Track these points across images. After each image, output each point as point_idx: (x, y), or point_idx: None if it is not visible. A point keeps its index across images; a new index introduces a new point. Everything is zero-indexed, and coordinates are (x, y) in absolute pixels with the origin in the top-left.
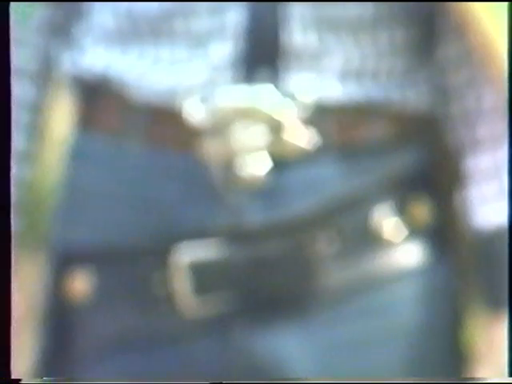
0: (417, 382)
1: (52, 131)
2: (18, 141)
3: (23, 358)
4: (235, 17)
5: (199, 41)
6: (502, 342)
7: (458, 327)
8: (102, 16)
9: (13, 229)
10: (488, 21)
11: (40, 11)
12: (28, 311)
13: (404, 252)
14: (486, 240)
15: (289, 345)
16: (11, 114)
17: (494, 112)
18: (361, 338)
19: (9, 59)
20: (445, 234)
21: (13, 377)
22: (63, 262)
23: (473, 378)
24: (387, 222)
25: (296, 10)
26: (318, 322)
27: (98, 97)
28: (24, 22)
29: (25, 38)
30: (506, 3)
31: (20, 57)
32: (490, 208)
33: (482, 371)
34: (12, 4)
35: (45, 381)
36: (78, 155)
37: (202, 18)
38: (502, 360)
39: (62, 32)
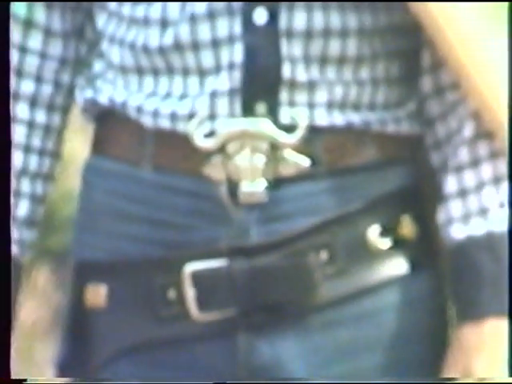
0: (413, 383)
1: (71, 155)
2: (41, 164)
3: (43, 362)
4: (236, 53)
5: (204, 73)
6: (471, 345)
7: (440, 331)
8: (118, 50)
9: (11, 236)
10: (467, 55)
11: (59, 44)
12: (50, 318)
13: (392, 263)
14: (458, 251)
15: (287, 349)
16: (10, 120)
17: (474, 136)
18: (355, 342)
19: (8, 60)
20: (427, 246)
21: (13, 377)
22: (82, 275)
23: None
24: (377, 236)
25: (289, 47)
26: (315, 328)
27: (112, 124)
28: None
29: (47, 69)
30: (506, 3)
31: (41, 87)
32: (467, 222)
33: (453, 375)
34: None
35: (47, 381)
36: (94, 176)
37: (205, 51)
38: (473, 365)
39: (81, 65)
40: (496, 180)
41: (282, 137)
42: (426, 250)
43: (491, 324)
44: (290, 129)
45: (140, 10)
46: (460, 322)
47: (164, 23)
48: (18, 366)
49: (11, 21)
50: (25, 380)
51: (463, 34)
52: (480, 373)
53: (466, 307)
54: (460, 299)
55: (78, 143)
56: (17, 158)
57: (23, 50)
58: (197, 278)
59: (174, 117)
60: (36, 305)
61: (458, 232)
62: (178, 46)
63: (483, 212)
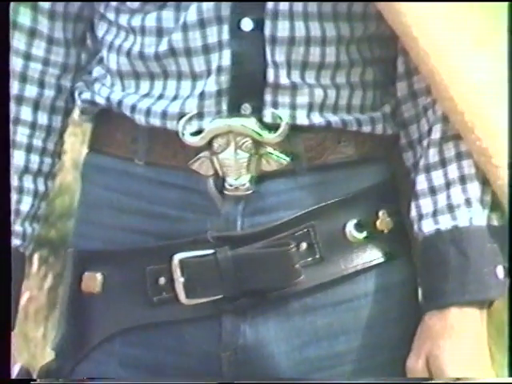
0: (416, 383)
1: (71, 152)
2: (42, 163)
3: (36, 339)
4: (224, 58)
5: (196, 76)
6: (436, 331)
7: (412, 316)
8: (116, 57)
9: (12, 230)
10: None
11: (61, 52)
12: (52, 303)
13: (368, 253)
14: (426, 244)
15: (269, 331)
16: (9, 115)
17: (442, 138)
18: (332, 326)
19: (8, 60)
20: (401, 237)
21: (13, 377)
22: (80, 263)
23: (471, 379)
24: (354, 229)
25: (273, 53)
26: (295, 312)
27: (108, 122)
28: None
29: (50, 75)
30: (506, 3)
31: (43, 91)
32: (436, 218)
33: (414, 360)
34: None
35: (46, 381)
36: (92, 172)
37: (197, 57)
38: (437, 349)
39: (82, 70)
40: (462, 180)
41: (265, 135)
42: (401, 241)
43: (455, 312)
44: (272, 128)
45: (136, 20)
46: (426, 309)
47: (159, 32)
48: (15, 343)
49: (16, 30)
50: (29, 381)
51: (435, 44)
52: (444, 356)
53: (432, 296)
54: (427, 288)
55: (70, 141)
56: (19, 157)
57: (28, 57)
58: (185, 266)
59: (164, 115)
60: (30, 287)
61: (427, 226)
62: (172, 53)
63: (450, 209)
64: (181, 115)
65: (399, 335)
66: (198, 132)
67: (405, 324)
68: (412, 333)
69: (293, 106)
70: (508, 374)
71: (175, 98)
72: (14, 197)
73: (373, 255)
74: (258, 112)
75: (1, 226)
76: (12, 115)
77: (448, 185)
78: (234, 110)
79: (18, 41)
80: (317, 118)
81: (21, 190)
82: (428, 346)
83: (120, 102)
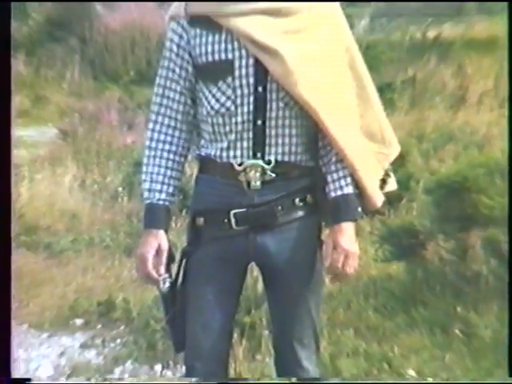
0: (415, 383)
1: (194, 174)
2: (178, 172)
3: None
4: (250, 135)
5: (238, 141)
6: (336, 231)
7: (315, 238)
8: (208, 132)
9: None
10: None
11: (184, 134)
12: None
13: (302, 211)
14: (332, 202)
15: (267, 240)
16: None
17: (335, 161)
18: (290, 238)
19: (9, 60)
20: (316, 206)
21: (13, 377)
22: (194, 214)
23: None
24: (298, 202)
25: (269, 132)
26: (277, 232)
27: (206, 162)
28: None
29: (183, 141)
30: (506, 3)
31: (178, 148)
32: (335, 191)
33: (328, 244)
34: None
35: (47, 380)
36: (200, 181)
37: (241, 134)
38: (338, 238)
39: (192, 140)
40: (344, 177)
41: (266, 167)
42: (315, 208)
43: (343, 225)
44: (268, 163)
45: (216, 119)
46: (332, 225)
47: (225, 123)
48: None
49: (170, 128)
50: (27, 380)
51: (330, 116)
52: (340, 240)
53: (334, 220)
54: (331, 218)
55: (195, 169)
56: (169, 173)
57: (172, 135)
58: (235, 215)
59: (228, 157)
60: (175, 222)
61: (332, 194)
62: (230, 131)
63: (340, 188)
64: (234, 156)
65: (311, 249)
66: (240, 164)
67: (313, 242)
68: (315, 247)
69: (276, 154)
70: (508, 374)
71: (231, 148)
72: (164, 187)
73: (305, 212)
74: (262, 156)
75: (1, 224)
76: (165, 156)
77: (339, 179)
78: (254, 155)
79: (167, 134)
80: (285, 159)
81: (168, 185)
82: (333, 238)
83: (210, 153)
